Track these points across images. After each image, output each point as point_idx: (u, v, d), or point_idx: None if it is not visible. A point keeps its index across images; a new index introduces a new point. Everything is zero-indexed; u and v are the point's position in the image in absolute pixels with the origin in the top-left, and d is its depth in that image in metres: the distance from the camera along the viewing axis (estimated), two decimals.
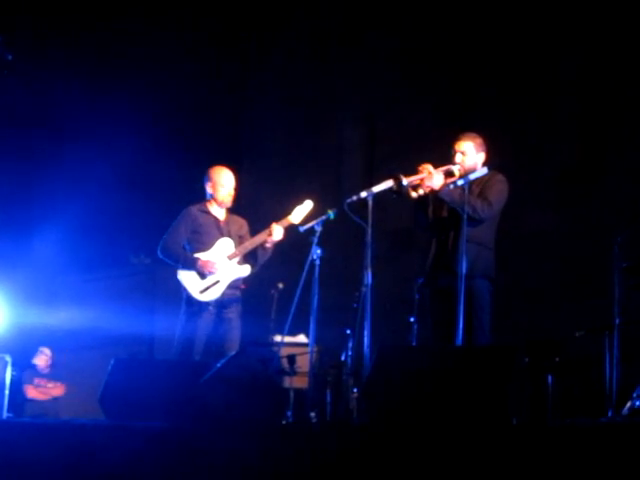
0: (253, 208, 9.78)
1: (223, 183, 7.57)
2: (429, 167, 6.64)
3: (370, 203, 6.49)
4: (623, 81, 9.39)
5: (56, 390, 11.16)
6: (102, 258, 12.02)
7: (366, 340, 6.35)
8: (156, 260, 8.23)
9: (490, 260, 6.74)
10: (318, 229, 6.96)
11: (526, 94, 10.00)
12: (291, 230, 7.45)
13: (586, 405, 7.30)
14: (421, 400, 5.27)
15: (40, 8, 11.16)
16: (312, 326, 6.85)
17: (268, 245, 7.48)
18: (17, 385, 10.39)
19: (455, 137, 6.87)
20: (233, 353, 6.75)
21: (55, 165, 11.28)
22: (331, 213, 6.99)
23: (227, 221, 7.66)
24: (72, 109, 11.26)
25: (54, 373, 11.28)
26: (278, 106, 12.33)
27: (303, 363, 8.05)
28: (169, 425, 5.54)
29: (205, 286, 7.38)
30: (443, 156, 6.84)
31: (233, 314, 7.47)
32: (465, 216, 6.41)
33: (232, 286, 7.47)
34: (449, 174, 6.71)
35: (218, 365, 5.93)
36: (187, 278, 7.41)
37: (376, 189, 6.52)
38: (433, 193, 6.67)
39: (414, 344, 7.74)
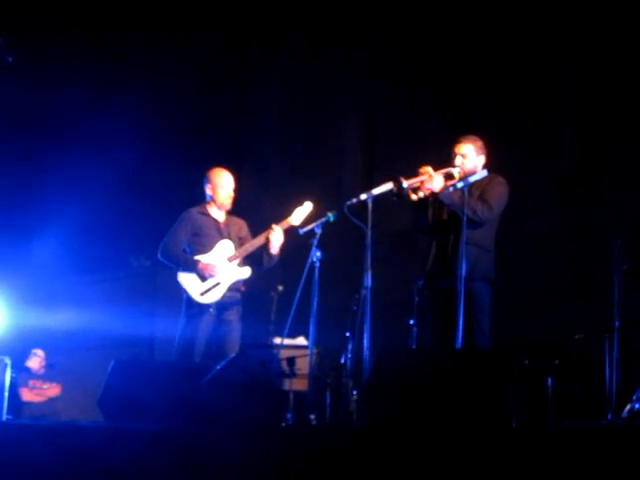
0: (253, 210, 9.78)
1: (222, 185, 7.56)
2: (429, 169, 6.64)
3: (370, 205, 6.50)
4: (622, 84, 9.40)
5: (52, 390, 11.12)
6: (102, 260, 12.02)
7: (366, 342, 6.35)
8: (156, 262, 8.23)
9: (490, 263, 6.74)
10: (318, 231, 6.96)
11: (526, 96, 10.01)
12: (291, 232, 7.45)
13: (586, 407, 7.30)
14: (421, 402, 5.27)
15: (41, 11, 11.17)
16: (312, 328, 6.85)
17: (273, 251, 7.46)
18: (16, 387, 10.39)
19: (455, 140, 6.87)
20: (233, 355, 6.75)
21: (55, 167, 11.28)
22: (331, 215, 6.99)
23: (227, 223, 7.65)
24: (71, 112, 11.28)
25: (49, 374, 11.24)
26: (278, 108, 12.34)
27: (303, 365, 8.05)
28: (169, 427, 5.54)
29: (205, 288, 7.38)
30: (443, 158, 6.84)
31: (233, 316, 7.47)
32: (465, 219, 6.41)
33: (232, 288, 7.47)
34: (449, 177, 6.70)
35: (218, 367, 5.93)
36: (187, 280, 7.41)
37: (376, 191, 6.52)
38: (433, 195, 6.67)
39: (414, 346, 7.74)
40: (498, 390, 5.16)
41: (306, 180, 11.00)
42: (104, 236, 11.65)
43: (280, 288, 9.01)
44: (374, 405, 5.48)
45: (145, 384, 6.05)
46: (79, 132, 11.38)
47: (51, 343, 11.40)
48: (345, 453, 4.99)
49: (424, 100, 10.82)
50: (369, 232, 6.46)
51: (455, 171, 6.72)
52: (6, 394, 8.30)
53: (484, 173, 6.73)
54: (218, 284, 7.40)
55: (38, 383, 11.10)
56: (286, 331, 7.29)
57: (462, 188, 6.50)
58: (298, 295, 7.01)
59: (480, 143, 6.87)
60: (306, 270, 6.93)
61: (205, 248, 7.49)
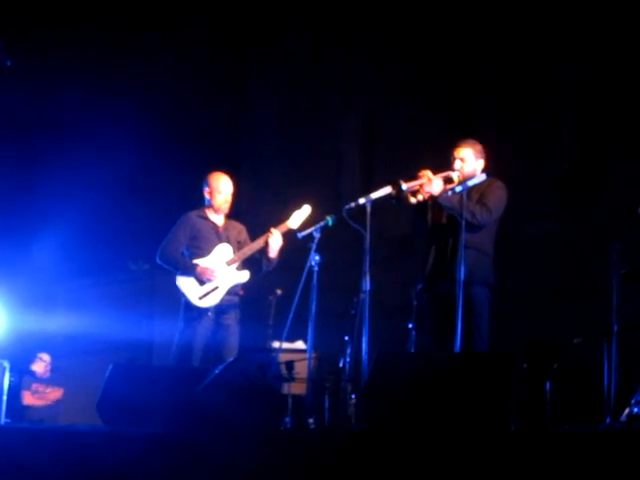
0: (252, 213, 9.78)
1: (220, 189, 7.57)
2: (429, 173, 6.65)
3: (368, 209, 6.50)
4: (622, 87, 9.40)
5: (54, 394, 11.12)
6: (101, 264, 12.01)
7: (364, 346, 6.35)
8: (155, 266, 8.23)
9: (489, 266, 6.74)
10: (317, 235, 6.96)
11: (525, 100, 10.01)
12: (290, 236, 7.45)
13: (584, 411, 7.29)
14: (419, 406, 5.27)
15: (41, 13, 11.18)
16: (310, 332, 6.84)
17: (272, 255, 7.46)
18: (15, 391, 10.38)
19: (454, 143, 6.88)
20: (231, 359, 6.74)
21: (54, 171, 11.28)
22: (330, 219, 6.99)
23: (226, 227, 7.66)
24: (71, 115, 11.27)
25: (53, 377, 11.25)
26: (277, 112, 12.34)
27: (301, 369, 8.04)
28: (167, 431, 5.54)
29: (204, 292, 7.38)
30: (442, 162, 6.84)
31: (232, 320, 7.47)
32: (463, 222, 6.42)
33: (231, 292, 7.47)
34: (448, 180, 6.71)
35: (216, 371, 5.93)
36: (186, 284, 7.41)
37: (375, 195, 6.53)
38: (432, 199, 6.68)
39: (412, 350, 7.74)
40: (497, 394, 5.16)
41: (305, 184, 10.99)
42: (103, 239, 11.64)
43: (279, 292, 9.01)
44: (373, 409, 5.48)
45: (143, 388, 6.04)
46: (78, 135, 11.37)
47: (50, 346, 11.40)
48: (344, 457, 4.99)
49: (423, 104, 10.82)
50: (368, 236, 6.47)
51: (454, 175, 6.74)
52: (4, 398, 8.30)
53: (483, 177, 6.75)
54: (216, 288, 7.40)
55: (42, 387, 11.09)
56: (285, 335, 7.28)
57: (461, 192, 6.51)
58: (297, 299, 7.00)
59: (479, 147, 6.88)
60: (305, 274, 6.92)
61: (204, 252, 7.49)
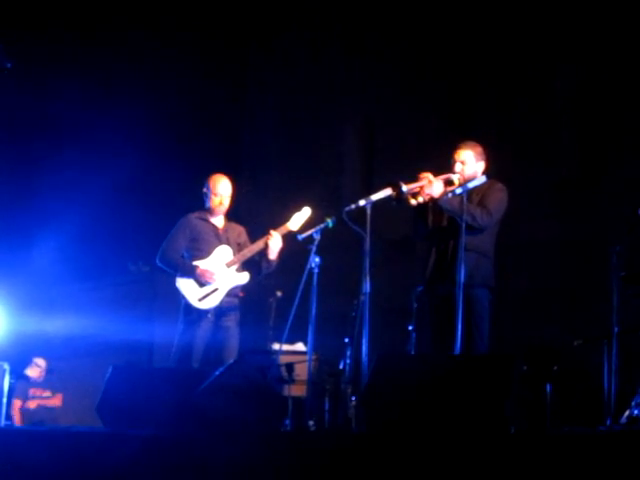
0: (251, 215, 9.79)
1: (216, 191, 7.57)
2: (429, 175, 6.65)
3: (369, 211, 6.50)
4: (622, 89, 9.41)
5: (53, 401, 11.04)
6: (101, 266, 12.00)
7: (364, 348, 6.34)
8: (155, 268, 8.22)
9: (489, 269, 6.74)
10: (317, 237, 6.95)
11: (526, 103, 10.01)
12: (290, 238, 7.45)
13: (585, 414, 7.29)
14: (420, 408, 5.27)
15: (41, 14, 11.18)
16: (310, 334, 6.84)
17: (272, 257, 7.46)
18: (10, 397, 10.33)
19: (455, 146, 6.88)
20: (231, 361, 6.74)
21: (54, 173, 11.27)
22: (330, 221, 6.98)
23: (226, 229, 7.66)
24: (71, 118, 11.27)
25: (48, 380, 11.17)
26: (277, 113, 12.34)
27: (301, 371, 8.04)
28: (167, 433, 5.53)
29: (204, 294, 7.38)
30: (442, 164, 6.84)
31: (231, 322, 7.47)
32: (464, 225, 6.41)
33: (230, 294, 7.47)
34: (449, 183, 6.71)
35: (216, 373, 5.92)
36: (186, 286, 7.41)
37: (375, 197, 6.52)
38: (432, 201, 6.67)
39: (412, 353, 7.73)
40: (497, 396, 5.16)
41: (305, 186, 10.99)
42: (103, 242, 11.63)
43: (279, 294, 9.00)
44: (373, 411, 5.47)
45: (143, 390, 6.04)
46: (78, 138, 11.37)
47: (50, 349, 11.38)
48: (344, 459, 4.98)
49: (423, 106, 10.82)
50: (368, 238, 6.46)
51: (455, 177, 6.73)
52: (4, 400, 8.29)
53: (483, 179, 6.74)
54: (216, 290, 7.39)
55: (38, 391, 11.02)
56: (285, 337, 7.28)
57: (461, 194, 6.51)
58: (297, 301, 7.00)
59: (480, 149, 6.88)
60: (305, 276, 6.92)
61: (203, 254, 7.49)
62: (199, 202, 7.69)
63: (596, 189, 9.53)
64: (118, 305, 11.44)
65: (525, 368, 7.69)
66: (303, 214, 7.52)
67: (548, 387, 7.61)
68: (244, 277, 7.52)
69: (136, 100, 11.22)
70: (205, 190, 7.60)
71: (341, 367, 8.08)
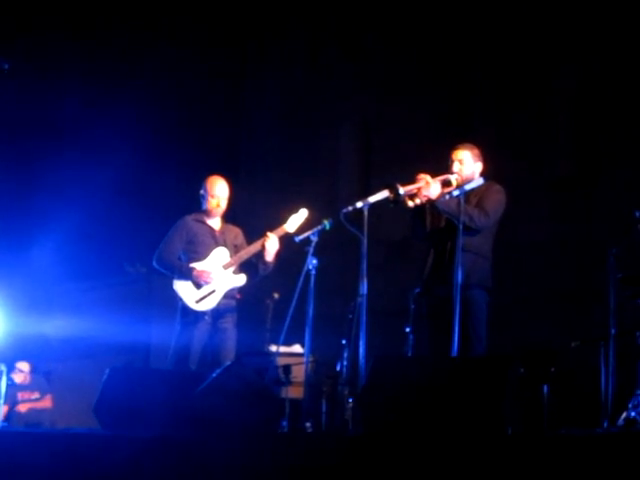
0: (248, 217, 9.78)
1: (212, 193, 7.56)
2: (427, 176, 6.64)
3: (366, 213, 6.49)
4: (620, 90, 9.41)
5: (43, 403, 10.94)
6: (98, 267, 12.01)
7: (362, 350, 6.34)
8: (152, 270, 8.22)
9: (487, 270, 6.74)
10: (314, 239, 6.95)
11: (523, 104, 10.01)
12: (287, 240, 7.44)
13: (581, 415, 7.29)
14: (417, 410, 5.27)
15: (40, 15, 11.18)
16: (308, 336, 6.84)
17: (269, 259, 7.46)
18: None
19: (452, 147, 6.88)
20: (229, 363, 6.74)
21: (52, 174, 11.27)
22: (327, 223, 6.98)
23: (222, 230, 7.65)
24: (70, 119, 11.27)
25: (36, 381, 11.06)
26: (275, 116, 12.35)
27: (299, 373, 8.04)
28: (164, 435, 5.53)
29: (201, 296, 7.37)
30: (440, 165, 6.84)
31: (229, 324, 7.46)
32: (461, 226, 6.41)
33: (228, 296, 7.46)
34: (446, 184, 6.70)
35: (214, 375, 5.92)
36: (182, 288, 7.40)
37: (372, 199, 6.52)
38: (430, 202, 6.67)
39: (410, 354, 7.73)
40: (494, 398, 5.16)
41: (302, 187, 10.99)
42: (100, 243, 11.63)
43: (276, 296, 9.00)
44: (370, 413, 5.47)
45: (140, 392, 6.04)
46: (77, 138, 11.37)
47: (47, 350, 11.36)
48: (341, 461, 4.98)
49: (421, 107, 10.82)
50: (365, 240, 6.46)
51: (453, 177, 6.72)
52: (2, 401, 8.28)
53: (480, 181, 6.74)
54: (213, 292, 7.39)
55: (26, 394, 10.92)
56: (282, 339, 7.28)
57: (459, 196, 6.51)
58: (294, 303, 6.99)
59: (477, 150, 6.88)
60: (302, 278, 6.91)
61: (200, 256, 7.49)
62: (196, 204, 7.69)
63: (594, 190, 9.53)
64: (115, 306, 11.44)
65: (522, 369, 7.68)
66: (300, 216, 7.52)
67: (545, 388, 7.61)
68: (241, 279, 7.51)
69: (134, 101, 11.22)
70: (202, 192, 7.60)
71: (338, 369, 8.07)
